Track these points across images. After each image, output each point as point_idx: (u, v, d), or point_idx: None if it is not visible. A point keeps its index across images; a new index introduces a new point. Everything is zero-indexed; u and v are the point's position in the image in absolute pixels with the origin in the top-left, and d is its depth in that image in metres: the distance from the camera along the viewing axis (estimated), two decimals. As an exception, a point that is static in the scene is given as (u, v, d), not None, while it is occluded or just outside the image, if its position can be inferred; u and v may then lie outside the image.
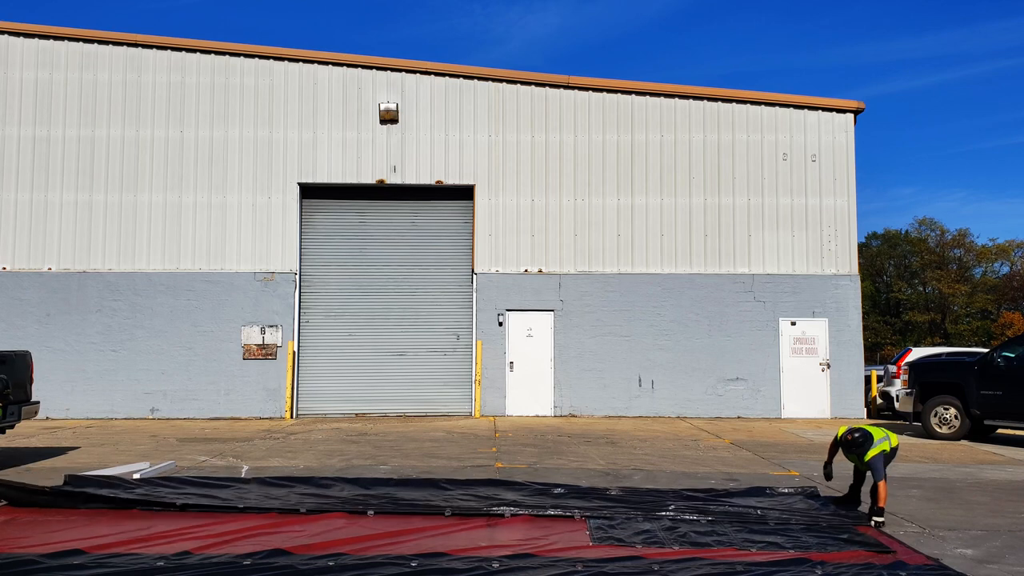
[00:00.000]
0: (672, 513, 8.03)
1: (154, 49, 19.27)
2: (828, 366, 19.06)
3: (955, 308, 64.82)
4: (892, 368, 20.50)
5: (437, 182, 19.23)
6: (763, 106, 19.65)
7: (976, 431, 15.32)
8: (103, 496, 8.50)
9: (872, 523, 7.83)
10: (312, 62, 19.37)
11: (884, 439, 8.10)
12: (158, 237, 18.90)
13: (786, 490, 9.02)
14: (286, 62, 19.36)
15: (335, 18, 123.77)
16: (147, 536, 7.20)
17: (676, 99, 19.62)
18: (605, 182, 19.38)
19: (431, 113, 19.34)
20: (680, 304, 19.17)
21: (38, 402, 12.62)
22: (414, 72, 19.45)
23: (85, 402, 18.36)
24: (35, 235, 18.79)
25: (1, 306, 18.54)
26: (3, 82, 19.07)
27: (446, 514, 8.11)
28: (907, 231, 70.18)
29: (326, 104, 19.28)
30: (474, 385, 18.87)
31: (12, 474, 10.51)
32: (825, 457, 8.81)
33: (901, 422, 17.80)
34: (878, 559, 6.72)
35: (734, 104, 19.63)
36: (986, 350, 16.92)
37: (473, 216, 19.28)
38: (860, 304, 19.61)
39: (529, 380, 18.97)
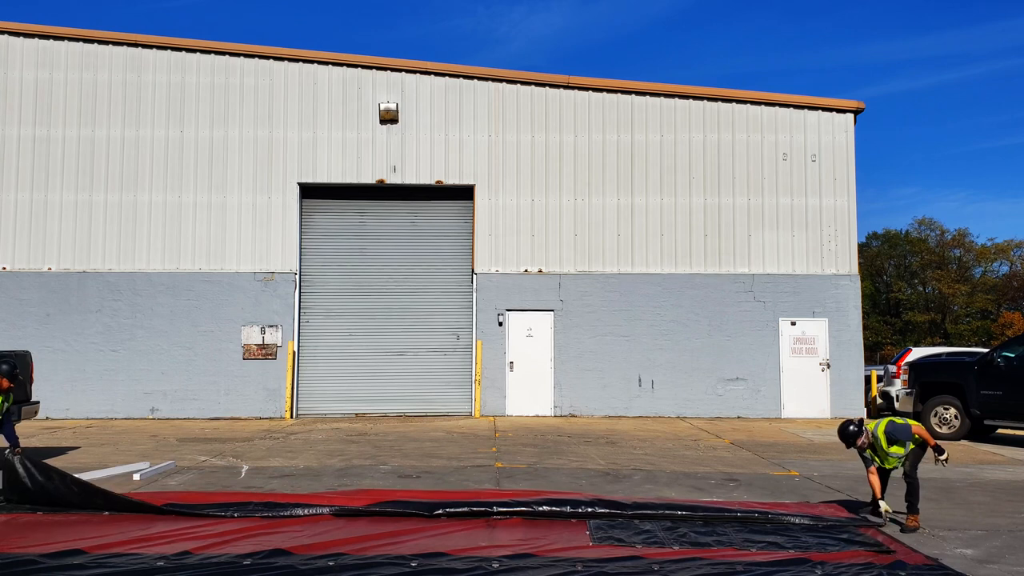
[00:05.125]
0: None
1: (154, 49, 19.25)
2: (828, 366, 19.05)
3: (955, 308, 64.79)
4: (892, 368, 20.49)
5: (437, 182, 19.22)
6: (763, 106, 19.63)
7: (976, 431, 15.31)
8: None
9: (942, 463, 8.00)
10: (312, 62, 19.36)
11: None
12: (158, 237, 18.89)
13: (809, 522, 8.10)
14: (286, 62, 19.35)
15: (335, 18, 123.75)
16: (147, 536, 7.20)
17: (676, 99, 19.61)
18: (605, 182, 19.37)
19: (431, 113, 19.33)
20: (680, 304, 19.16)
21: (38, 402, 12.62)
22: (414, 72, 19.44)
23: (85, 402, 18.35)
24: (35, 235, 18.78)
25: (1, 306, 18.53)
26: (3, 82, 19.06)
27: (438, 513, 8.10)
28: (907, 231, 70.22)
29: (326, 104, 19.27)
30: (474, 385, 18.86)
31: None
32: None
33: (901, 422, 17.77)
34: (878, 559, 6.72)
35: (734, 104, 19.62)
36: (986, 350, 16.91)
37: (473, 216, 19.27)
38: (860, 304, 19.60)
39: (529, 380, 18.96)
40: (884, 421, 8.16)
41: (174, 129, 19.09)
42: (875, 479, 8.14)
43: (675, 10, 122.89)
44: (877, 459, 8.16)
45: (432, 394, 19.04)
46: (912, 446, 8.05)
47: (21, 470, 8.50)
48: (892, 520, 8.07)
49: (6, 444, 9.48)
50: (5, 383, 9.33)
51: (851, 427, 8.11)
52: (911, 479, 7.96)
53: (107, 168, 18.96)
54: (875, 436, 8.08)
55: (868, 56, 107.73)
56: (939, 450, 8.04)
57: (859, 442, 8.09)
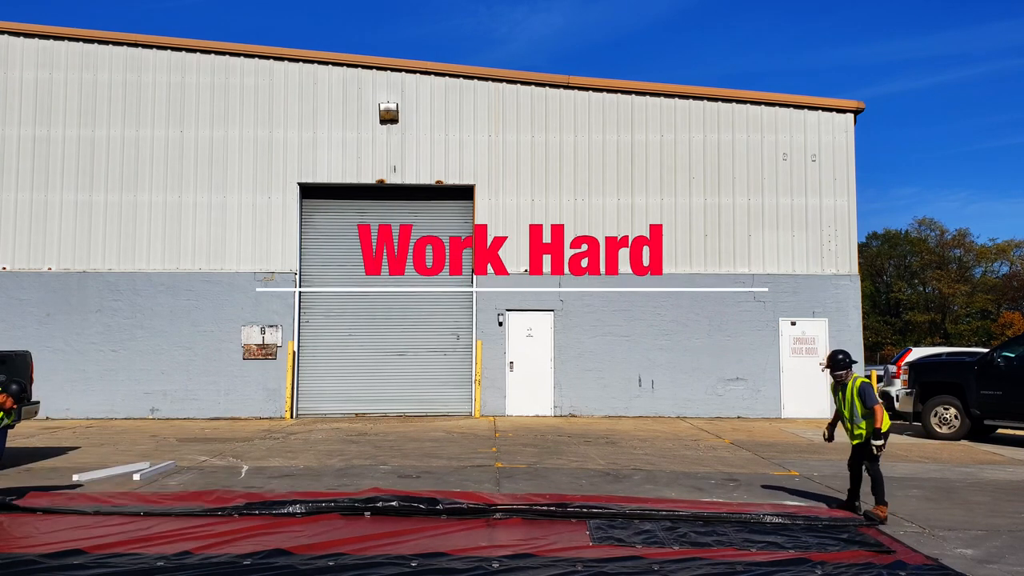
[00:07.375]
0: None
1: (154, 49, 19.25)
2: (828, 366, 19.02)
3: (955, 308, 64.82)
4: (892, 368, 20.47)
5: (437, 182, 19.22)
6: (763, 106, 19.63)
7: (976, 431, 15.31)
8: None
9: (873, 448, 8.23)
10: (312, 62, 19.36)
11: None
12: (158, 237, 18.89)
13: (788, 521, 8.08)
14: (286, 62, 19.35)
15: (335, 18, 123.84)
16: (147, 536, 7.20)
17: (676, 99, 19.61)
18: (605, 182, 19.37)
19: (431, 113, 19.33)
20: (680, 304, 19.15)
21: (38, 402, 12.61)
22: (414, 72, 19.43)
23: (85, 402, 18.35)
24: (35, 235, 18.77)
25: (1, 306, 18.53)
26: (3, 82, 19.06)
27: (442, 516, 8.10)
28: (907, 231, 70.26)
29: (326, 104, 19.27)
30: (474, 385, 18.86)
31: (12, 475, 10.52)
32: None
33: (901, 422, 17.80)
34: (878, 559, 6.73)
35: (734, 104, 19.61)
36: (986, 350, 16.91)
37: (473, 216, 19.27)
38: (860, 304, 19.60)
39: (529, 380, 18.96)
40: (864, 379, 8.64)
41: (174, 129, 19.09)
42: (834, 420, 8.90)
43: (675, 10, 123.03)
44: (842, 407, 8.67)
45: (432, 394, 19.04)
46: (867, 419, 8.40)
47: None
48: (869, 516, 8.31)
49: None
50: (9, 402, 9.25)
51: (840, 355, 8.62)
52: (873, 472, 8.36)
53: (107, 168, 18.96)
54: (852, 380, 8.58)
55: (868, 56, 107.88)
56: (876, 435, 8.30)
57: (839, 374, 8.59)
